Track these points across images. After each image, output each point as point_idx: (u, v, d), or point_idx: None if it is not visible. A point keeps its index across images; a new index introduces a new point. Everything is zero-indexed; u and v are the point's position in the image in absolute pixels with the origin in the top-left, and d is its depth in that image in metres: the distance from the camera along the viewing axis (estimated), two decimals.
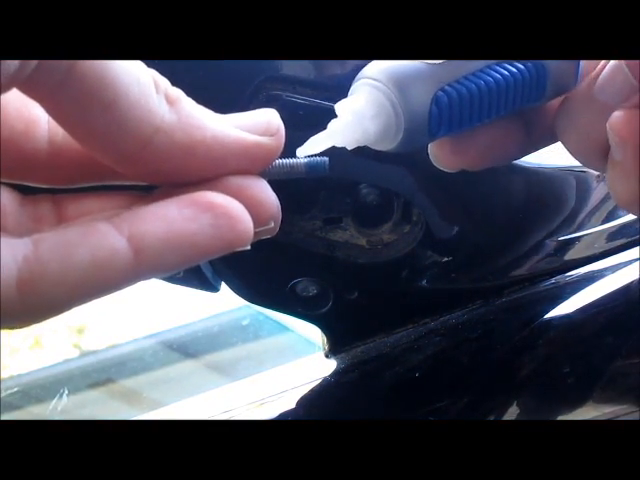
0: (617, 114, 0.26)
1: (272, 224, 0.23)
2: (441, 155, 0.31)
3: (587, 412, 0.34)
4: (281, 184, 0.25)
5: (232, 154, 0.22)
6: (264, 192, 0.23)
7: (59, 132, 0.23)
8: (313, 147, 0.26)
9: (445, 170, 0.31)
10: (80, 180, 0.24)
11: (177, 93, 0.22)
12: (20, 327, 0.20)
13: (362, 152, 0.28)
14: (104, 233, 0.20)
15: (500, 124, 0.30)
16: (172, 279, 0.43)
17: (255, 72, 0.35)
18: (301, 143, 0.26)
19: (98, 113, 0.20)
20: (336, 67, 0.36)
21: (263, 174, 0.24)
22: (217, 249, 0.21)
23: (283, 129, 0.24)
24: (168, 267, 0.21)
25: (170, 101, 0.21)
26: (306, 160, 0.25)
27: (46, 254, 0.19)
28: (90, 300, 0.21)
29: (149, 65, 0.22)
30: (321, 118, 0.26)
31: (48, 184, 0.24)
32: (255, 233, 0.22)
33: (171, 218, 0.21)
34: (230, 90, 0.35)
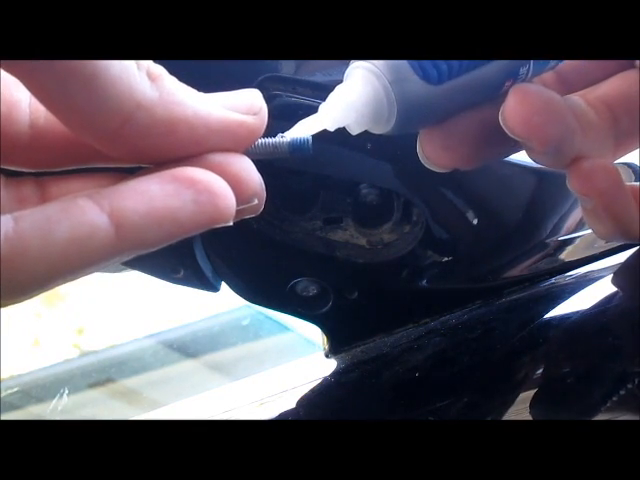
0: (572, 176, 0.28)
1: (255, 201, 0.23)
2: (432, 152, 0.29)
3: (587, 412, 0.34)
4: (282, 183, 0.25)
5: (214, 132, 0.22)
6: (247, 169, 0.23)
7: (41, 115, 0.23)
8: (303, 131, 0.25)
9: (436, 170, 0.30)
10: (62, 163, 0.24)
11: (159, 70, 0.22)
12: (2, 306, 0.20)
13: (362, 151, 0.28)
14: (84, 209, 0.20)
15: (493, 116, 0.28)
16: (172, 279, 0.43)
17: (255, 72, 0.35)
18: None
19: (79, 88, 0.20)
20: (336, 67, 0.36)
21: (246, 154, 0.24)
22: (199, 225, 0.21)
23: (266, 109, 0.24)
24: (149, 243, 0.21)
25: (152, 78, 0.21)
26: (289, 139, 0.25)
27: (26, 231, 0.19)
28: (72, 278, 0.20)
29: None
30: None
31: (30, 168, 0.24)
32: (238, 211, 0.22)
33: (152, 194, 0.21)
34: (230, 90, 0.35)
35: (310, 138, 0.25)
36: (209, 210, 0.21)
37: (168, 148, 0.22)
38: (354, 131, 0.27)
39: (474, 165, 0.30)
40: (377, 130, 0.27)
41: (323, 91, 0.36)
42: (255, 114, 0.24)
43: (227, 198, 0.21)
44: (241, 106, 0.23)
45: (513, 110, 0.26)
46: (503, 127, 0.27)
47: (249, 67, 0.35)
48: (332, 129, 0.26)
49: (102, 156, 0.23)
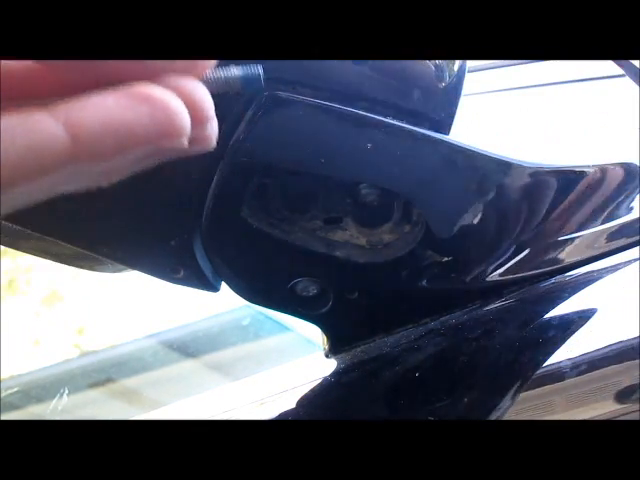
0: None
1: (208, 130, 0.24)
2: None
3: (587, 412, 0.34)
4: (282, 183, 0.25)
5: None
6: (200, 92, 0.23)
7: None
8: None
9: None
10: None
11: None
12: None
13: (362, 151, 0.28)
14: (39, 118, 0.20)
15: None
16: (172, 279, 0.43)
17: None
18: (301, 143, 0.25)
19: None
20: (335, 67, 0.36)
21: None
22: (154, 139, 0.22)
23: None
24: (105, 154, 0.21)
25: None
26: (241, 73, 0.25)
27: None
28: (30, 188, 0.21)
29: None
30: (321, 118, 0.26)
31: None
32: (191, 139, 0.23)
33: (108, 106, 0.21)
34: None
35: (261, 72, 0.25)
36: (164, 126, 0.22)
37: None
38: None
39: None
40: None
41: (324, 91, 0.36)
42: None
43: (182, 115, 0.22)
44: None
45: None
46: None
47: None
48: None
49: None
